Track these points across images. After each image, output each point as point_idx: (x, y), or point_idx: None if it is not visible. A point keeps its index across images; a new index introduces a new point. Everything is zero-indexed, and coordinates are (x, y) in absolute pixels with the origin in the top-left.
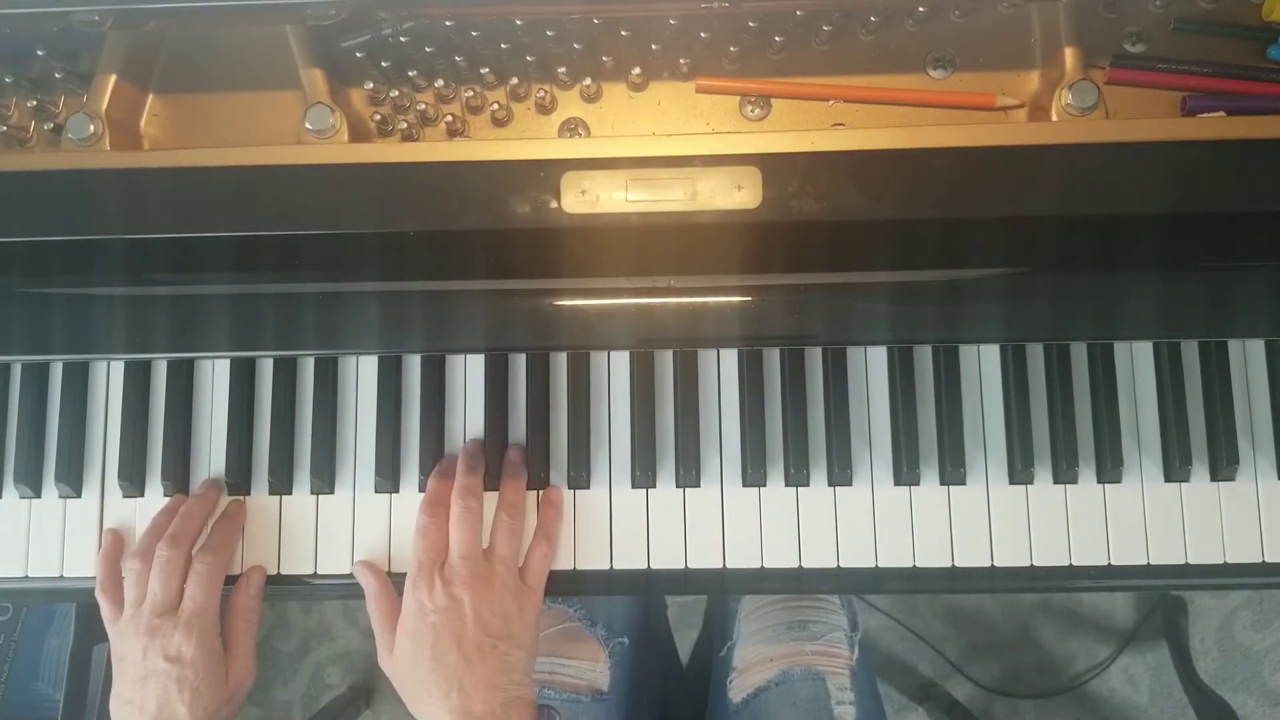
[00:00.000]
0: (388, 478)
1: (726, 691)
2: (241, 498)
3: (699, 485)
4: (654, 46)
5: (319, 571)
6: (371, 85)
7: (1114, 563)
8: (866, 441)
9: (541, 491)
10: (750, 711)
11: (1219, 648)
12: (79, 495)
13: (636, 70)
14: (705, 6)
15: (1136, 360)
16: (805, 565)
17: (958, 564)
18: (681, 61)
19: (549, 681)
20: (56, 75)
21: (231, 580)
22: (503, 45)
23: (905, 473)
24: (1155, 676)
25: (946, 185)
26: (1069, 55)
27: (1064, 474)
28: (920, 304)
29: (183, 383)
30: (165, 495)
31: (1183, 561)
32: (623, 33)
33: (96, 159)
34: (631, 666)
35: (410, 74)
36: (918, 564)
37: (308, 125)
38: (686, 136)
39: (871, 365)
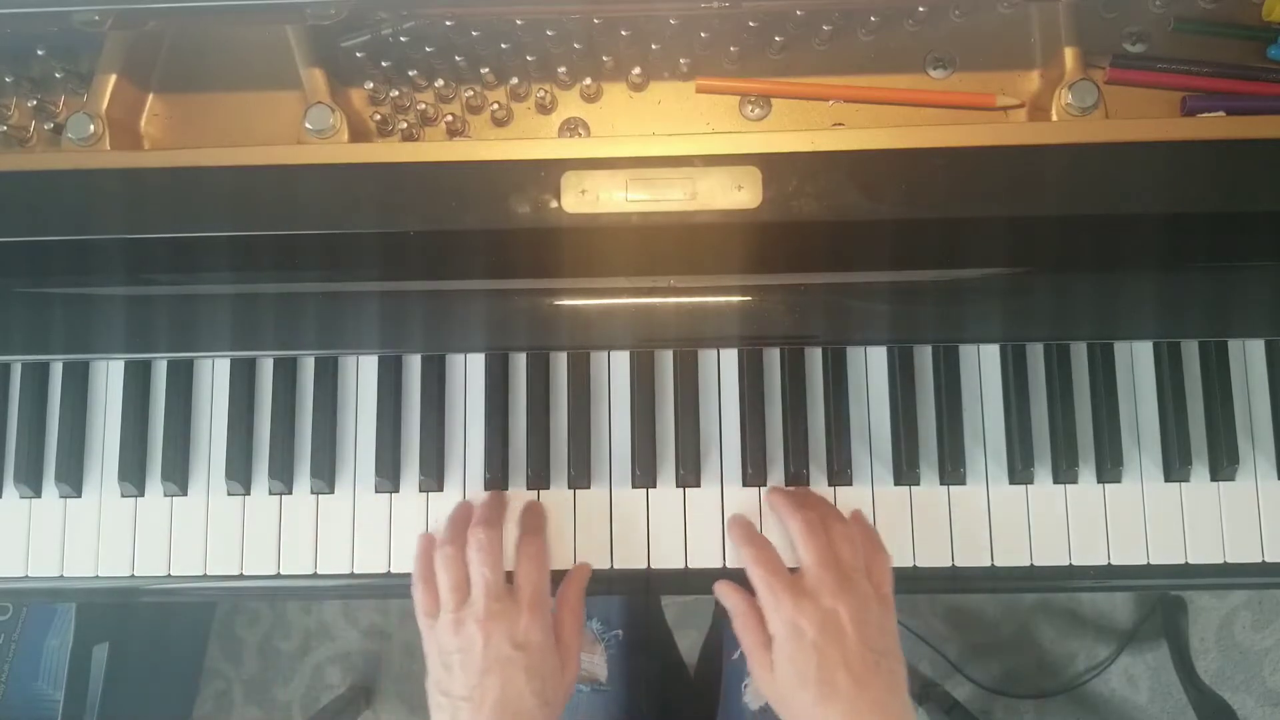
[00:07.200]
0: (388, 478)
1: (741, 696)
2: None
3: (699, 485)
4: (654, 46)
5: (318, 571)
6: (371, 85)
7: (1114, 563)
8: (866, 441)
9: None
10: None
11: (1219, 648)
12: (79, 495)
13: (636, 70)
14: (705, 6)
15: (1136, 360)
16: None
17: (958, 564)
18: (681, 61)
19: None
20: (56, 75)
21: None
22: (503, 45)
23: (905, 472)
24: (1155, 676)
25: (946, 185)
26: (1069, 55)
27: (1064, 474)
28: (920, 304)
29: (183, 382)
30: (165, 495)
31: (1183, 561)
32: (623, 33)
33: (96, 159)
34: (628, 659)
35: (410, 74)
36: (918, 564)
37: (308, 125)
38: (686, 136)
39: (871, 365)
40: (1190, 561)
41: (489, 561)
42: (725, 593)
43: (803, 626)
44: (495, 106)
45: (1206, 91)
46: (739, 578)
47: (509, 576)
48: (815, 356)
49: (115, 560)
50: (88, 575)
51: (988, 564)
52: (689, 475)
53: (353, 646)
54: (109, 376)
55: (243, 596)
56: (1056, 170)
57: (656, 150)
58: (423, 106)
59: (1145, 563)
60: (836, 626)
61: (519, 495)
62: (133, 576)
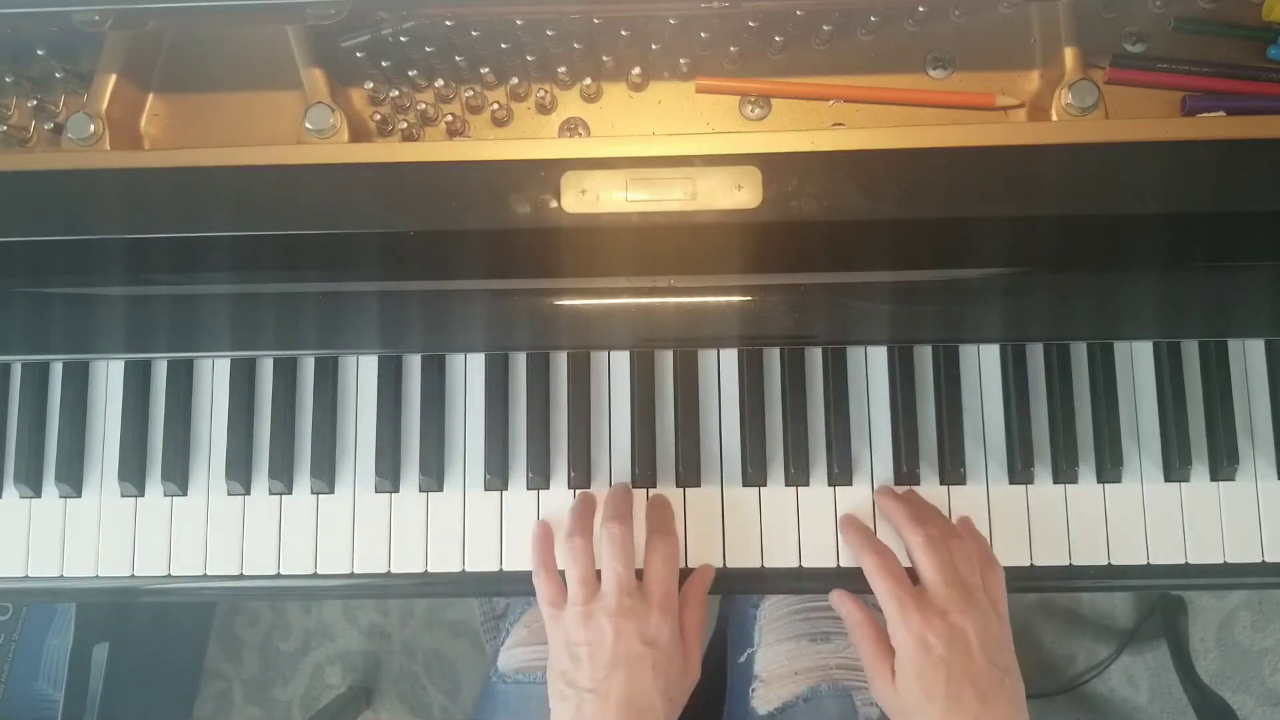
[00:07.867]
0: (388, 478)
1: (749, 699)
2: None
3: (699, 485)
4: (654, 46)
5: (318, 571)
6: (371, 85)
7: (1114, 563)
8: (866, 441)
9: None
10: None
11: (1219, 648)
12: (79, 495)
13: (636, 70)
14: (705, 6)
15: (1136, 360)
16: (805, 565)
17: None
18: (681, 61)
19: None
20: (56, 75)
21: None
22: (503, 45)
23: (905, 472)
24: (1155, 676)
25: (946, 185)
26: (1069, 55)
27: (1064, 474)
28: (920, 303)
29: (183, 382)
30: (165, 495)
31: (1183, 561)
32: (623, 32)
33: (96, 159)
34: None
35: (410, 74)
36: None
37: (308, 125)
38: (686, 136)
39: (871, 365)
40: (1190, 561)
41: (621, 557)
42: (842, 601)
43: (931, 641)
44: (495, 106)
45: (1206, 91)
46: (740, 578)
47: (637, 574)
48: (815, 356)
49: (115, 560)
50: (88, 575)
51: None
52: (689, 475)
53: (353, 646)
54: (109, 376)
55: (243, 596)
56: (1056, 170)
57: (656, 150)
58: (423, 106)
59: (1145, 563)
60: (964, 643)
61: (640, 492)
62: (133, 576)
